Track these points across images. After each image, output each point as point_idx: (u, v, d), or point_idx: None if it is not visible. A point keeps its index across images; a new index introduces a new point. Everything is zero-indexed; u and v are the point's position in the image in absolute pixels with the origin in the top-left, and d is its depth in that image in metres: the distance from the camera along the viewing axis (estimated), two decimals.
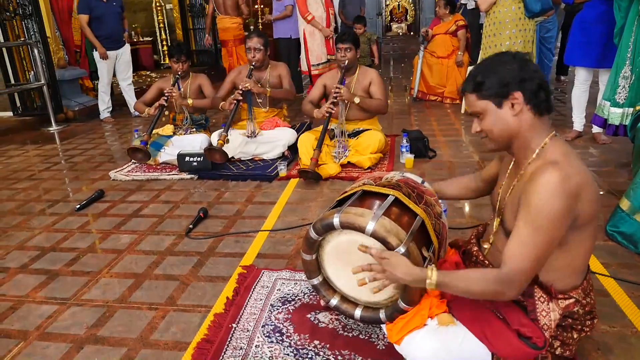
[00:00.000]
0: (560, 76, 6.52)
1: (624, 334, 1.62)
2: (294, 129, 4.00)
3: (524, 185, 1.31)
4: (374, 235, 1.46)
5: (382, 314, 1.59)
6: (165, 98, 3.78)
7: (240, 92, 3.62)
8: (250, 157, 3.75)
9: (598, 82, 3.74)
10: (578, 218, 1.26)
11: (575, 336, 1.40)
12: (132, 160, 3.85)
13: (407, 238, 1.46)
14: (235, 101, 3.61)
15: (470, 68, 5.07)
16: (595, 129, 3.59)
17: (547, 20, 4.78)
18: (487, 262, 1.50)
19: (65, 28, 6.07)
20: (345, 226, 1.50)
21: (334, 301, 1.69)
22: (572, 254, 1.34)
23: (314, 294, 1.95)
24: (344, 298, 1.70)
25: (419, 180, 1.78)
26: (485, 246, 1.56)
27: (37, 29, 5.36)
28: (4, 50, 5.49)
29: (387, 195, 1.62)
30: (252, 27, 9.03)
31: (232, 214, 2.81)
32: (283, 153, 3.74)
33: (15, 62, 5.56)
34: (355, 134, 3.62)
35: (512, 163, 1.48)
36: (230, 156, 3.65)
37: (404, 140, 3.55)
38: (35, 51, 5.22)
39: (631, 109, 2.97)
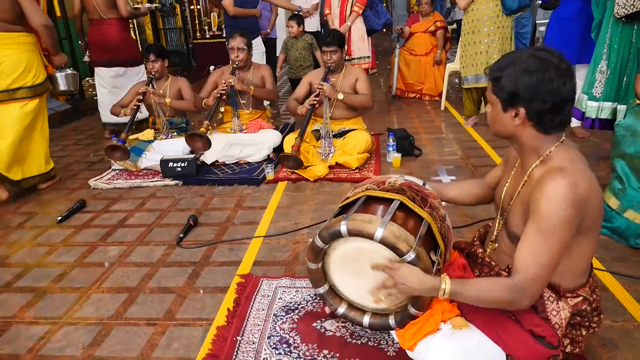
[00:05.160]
0: None
1: (627, 329, 1.65)
2: (277, 130, 3.95)
3: (531, 191, 1.31)
4: (382, 241, 1.44)
5: (391, 320, 1.57)
6: (140, 97, 3.69)
7: (224, 87, 3.58)
8: (235, 161, 3.68)
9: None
10: (584, 222, 1.27)
11: (584, 333, 1.42)
12: (112, 168, 3.74)
13: (416, 243, 1.45)
14: (218, 95, 3.58)
15: (448, 65, 5.15)
16: (575, 123, 3.67)
17: (522, 16, 4.87)
18: (493, 262, 1.50)
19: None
20: (353, 233, 1.48)
21: (342, 309, 1.67)
22: (578, 257, 1.35)
23: (317, 301, 1.92)
24: (351, 305, 1.68)
25: (420, 182, 1.78)
26: (490, 247, 1.56)
27: None
28: None
29: (391, 200, 1.60)
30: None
31: (222, 220, 2.75)
32: (268, 155, 3.69)
33: None
34: (341, 134, 3.60)
35: (518, 162, 1.48)
36: (214, 160, 3.59)
37: (390, 140, 3.55)
38: None
39: (608, 103, 3.05)
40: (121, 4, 4.20)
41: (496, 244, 1.53)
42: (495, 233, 1.54)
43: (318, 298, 1.91)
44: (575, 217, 1.23)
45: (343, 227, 1.48)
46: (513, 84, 1.28)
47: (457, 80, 5.62)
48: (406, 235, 1.45)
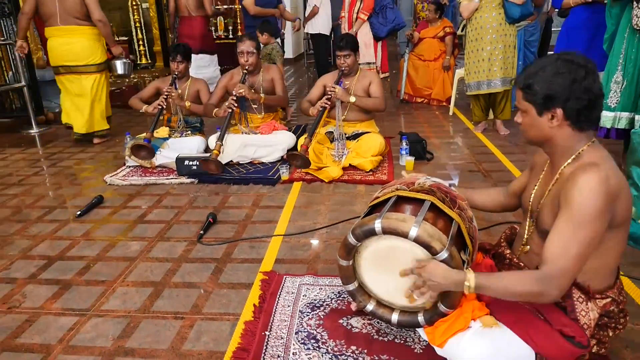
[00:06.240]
0: None
1: None
2: (290, 131, 3.99)
3: (562, 185, 1.36)
4: (417, 240, 1.48)
5: (420, 318, 1.61)
6: (165, 97, 3.72)
7: (234, 98, 3.56)
8: (248, 161, 3.72)
9: None
10: (614, 218, 1.31)
11: (610, 334, 1.46)
12: (127, 165, 3.77)
13: (449, 242, 1.49)
14: (230, 109, 3.54)
15: (457, 71, 5.21)
16: None
17: (530, 24, 4.93)
18: (521, 264, 1.54)
19: (44, 27, 5.85)
20: (387, 232, 1.52)
21: (370, 306, 1.71)
22: (608, 255, 1.39)
23: (341, 298, 1.95)
24: (380, 303, 1.71)
25: (446, 184, 1.82)
26: (521, 250, 1.60)
27: (16, 28, 5.14)
28: None
29: (421, 201, 1.65)
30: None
31: (241, 218, 2.78)
32: (282, 157, 3.73)
33: None
34: (355, 136, 3.65)
35: (547, 165, 1.52)
36: (228, 160, 3.62)
37: (404, 143, 3.59)
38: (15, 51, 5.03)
39: (625, 113, 3.10)
40: (207, 4, 5.16)
41: (527, 247, 1.57)
42: (525, 236, 1.58)
43: (347, 295, 1.94)
44: (607, 209, 1.26)
45: (377, 225, 1.52)
46: (546, 88, 1.33)
47: (465, 87, 5.67)
48: (439, 234, 1.49)
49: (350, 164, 3.48)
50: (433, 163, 3.66)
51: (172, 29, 5.94)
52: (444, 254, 1.45)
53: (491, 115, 4.55)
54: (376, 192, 1.84)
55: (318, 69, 6.54)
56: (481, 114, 4.46)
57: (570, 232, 1.27)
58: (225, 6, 8.31)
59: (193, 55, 5.18)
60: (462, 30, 7.39)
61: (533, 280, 1.29)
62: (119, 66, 4.64)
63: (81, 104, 4.37)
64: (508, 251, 1.62)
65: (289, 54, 9.71)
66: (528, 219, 1.58)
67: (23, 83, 5.08)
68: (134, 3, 10.01)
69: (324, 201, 2.99)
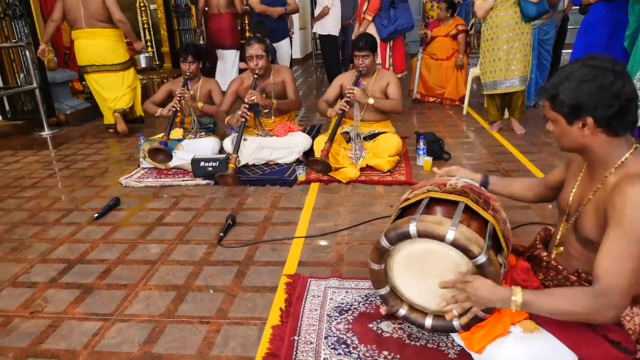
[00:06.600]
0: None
1: None
2: (305, 131, 3.95)
3: (609, 196, 1.30)
4: (454, 243, 1.44)
5: (456, 323, 1.56)
6: (179, 99, 3.69)
7: (247, 106, 3.45)
8: (264, 162, 3.68)
9: None
10: None
11: None
12: (141, 167, 3.74)
13: (486, 245, 1.45)
14: (243, 119, 3.41)
15: (471, 70, 5.15)
16: None
17: (545, 22, 4.87)
18: (560, 266, 1.49)
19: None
20: (423, 235, 1.48)
21: (403, 311, 1.67)
22: None
23: (369, 302, 1.92)
24: (412, 307, 1.67)
25: (476, 184, 1.78)
26: (555, 251, 1.56)
27: (28, 30, 5.15)
28: None
29: (454, 202, 1.61)
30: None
31: (260, 220, 2.75)
32: (298, 159, 3.69)
33: (4, 64, 5.33)
34: (371, 136, 3.61)
35: (585, 168, 1.48)
36: (244, 163, 3.57)
37: (421, 143, 3.55)
38: (27, 53, 5.02)
39: None
40: (238, 2, 5.70)
41: (561, 248, 1.53)
42: (559, 237, 1.54)
43: (374, 298, 1.91)
44: None
45: (412, 228, 1.48)
46: (573, 97, 1.28)
47: (474, 86, 5.62)
48: (477, 237, 1.45)
49: (367, 165, 3.44)
50: (450, 163, 3.62)
51: (199, 25, 6.74)
52: (482, 258, 1.41)
53: (506, 115, 4.50)
54: (405, 193, 1.81)
55: (328, 69, 6.50)
56: (497, 113, 4.41)
57: (623, 249, 1.22)
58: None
59: (221, 51, 5.63)
60: (471, 29, 7.37)
61: (585, 299, 1.24)
62: (142, 60, 5.45)
63: (112, 96, 4.83)
64: (544, 253, 1.58)
65: (296, 54, 9.69)
66: (563, 222, 1.53)
67: (35, 85, 5.07)
68: (141, 4, 10.00)
69: (343, 202, 2.95)
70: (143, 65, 5.36)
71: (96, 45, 4.65)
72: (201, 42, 6.89)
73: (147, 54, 5.30)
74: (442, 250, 1.49)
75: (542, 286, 1.50)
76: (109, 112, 4.91)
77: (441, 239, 1.45)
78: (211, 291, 2.07)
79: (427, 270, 1.56)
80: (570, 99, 1.28)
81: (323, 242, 2.46)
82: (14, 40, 5.17)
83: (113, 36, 4.70)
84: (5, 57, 5.33)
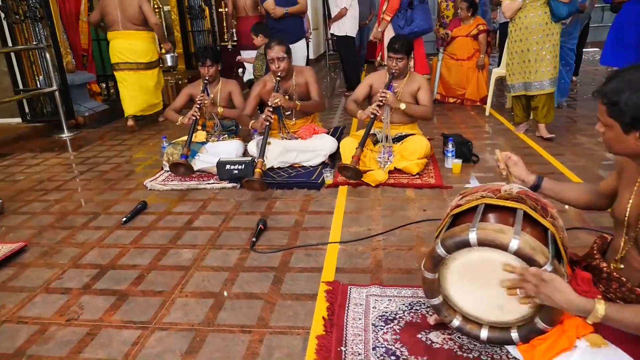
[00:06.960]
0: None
1: None
2: (329, 133, 3.90)
3: None
4: (517, 253, 1.37)
5: (514, 334, 1.50)
6: (198, 106, 3.64)
7: (271, 110, 3.37)
8: (289, 165, 3.63)
9: None
10: None
11: None
12: (165, 169, 3.71)
13: (551, 255, 1.38)
14: (267, 122, 3.32)
15: (494, 71, 5.07)
16: None
17: (571, 25, 4.78)
18: (623, 279, 1.43)
19: (72, 32, 5.88)
20: (484, 243, 1.42)
21: (457, 322, 1.60)
22: None
23: (414, 311, 1.85)
24: (466, 318, 1.61)
25: (529, 190, 1.71)
26: (614, 265, 1.50)
27: (48, 32, 5.14)
28: (12, 54, 5.25)
29: (510, 209, 1.54)
30: None
31: (291, 224, 2.70)
32: (323, 161, 3.64)
33: (24, 66, 5.33)
34: (399, 138, 3.54)
35: None
36: (269, 166, 3.52)
37: (450, 145, 3.48)
38: (47, 55, 5.01)
39: None
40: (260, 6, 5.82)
41: (622, 265, 1.47)
42: (620, 252, 1.48)
43: (420, 307, 1.84)
44: None
45: (472, 236, 1.42)
46: (636, 109, 1.24)
47: (495, 86, 5.53)
48: (541, 246, 1.39)
49: (395, 167, 3.38)
50: (479, 165, 3.55)
51: (229, 27, 7.34)
52: (547, 268, 1.35)
53: (532, 116, 4.41)
54: (455, 199, 1.74)
55: (346, 70, 6.44)
56: (523, 115, 4.32)
57: None
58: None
59: (249, 52, 5.72)
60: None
61: None
62: (169, 59, 5.68)
63: (141, 92, 5.22)
64: (604, 264, 1.52)
65: (309, 54, 9.62)
66: (624, 235, 1.47)
67: (54, 87, 5.07)
68: (155, 6, 10.00)
69: (374, 206, 2.89)
70: (169, 64, 5.70)
71: (130, 44, 5.04)
72: (229, 45, 7.57)
73: (173, 54, 5.66)
74: (502, 259, 1.43)
75: (604, 298, 1.43)
76: (130, 104, 5.21)
77: (504, 248, 1.38)
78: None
79: (484, 280, 1.49)
80: (631, 111, 1.25)
81: (359, 248, 2.40)
82: (33, 43, 5.16)
83: (147, 38, 5.13)
84: (25, 60, 5.33)
